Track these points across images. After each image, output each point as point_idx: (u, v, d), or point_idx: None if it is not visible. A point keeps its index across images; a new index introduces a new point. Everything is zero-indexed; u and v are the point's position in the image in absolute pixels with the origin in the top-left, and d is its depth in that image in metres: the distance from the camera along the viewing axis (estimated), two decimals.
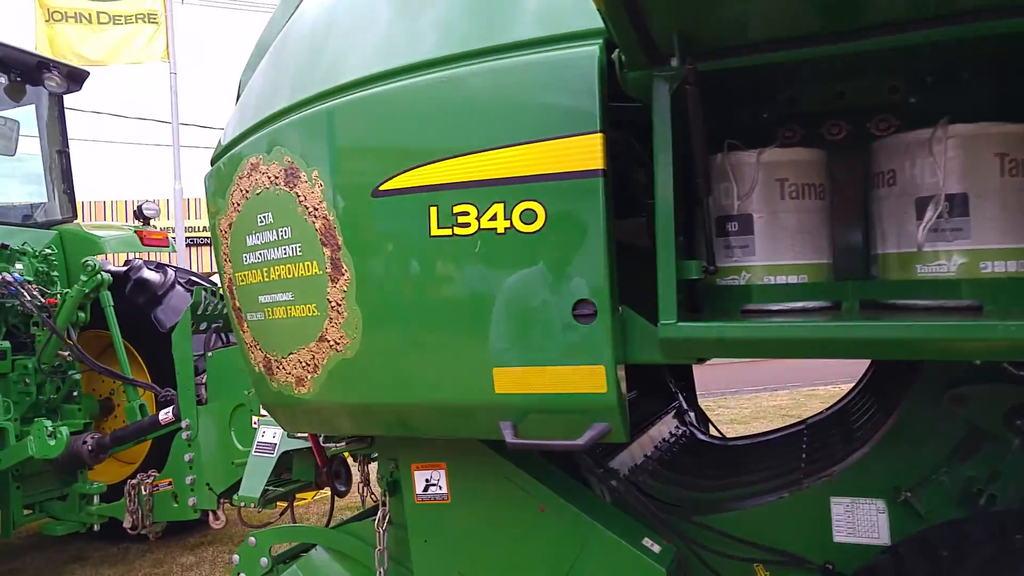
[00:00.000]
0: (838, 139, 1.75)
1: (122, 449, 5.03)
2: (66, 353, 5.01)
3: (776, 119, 1.78)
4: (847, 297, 1.60)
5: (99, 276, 4.94)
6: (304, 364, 1.96)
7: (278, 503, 3.37)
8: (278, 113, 1.97)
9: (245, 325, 2.21)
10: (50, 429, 4.48)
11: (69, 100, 6.04)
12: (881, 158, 1.55)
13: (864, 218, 1.67)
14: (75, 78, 5.89)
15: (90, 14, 11.97)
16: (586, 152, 1.54)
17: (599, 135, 1.53)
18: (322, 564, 2.50)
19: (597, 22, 1.42)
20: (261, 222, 1.99)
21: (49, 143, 5.92)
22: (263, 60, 2.23)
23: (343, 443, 2.49)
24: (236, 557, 2.71)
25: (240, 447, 4.00)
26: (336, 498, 2.99)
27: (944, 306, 1.43)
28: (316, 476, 3.02)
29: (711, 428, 3.38)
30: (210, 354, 4.13)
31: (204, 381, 4.21)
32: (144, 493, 4.53)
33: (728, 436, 3.30)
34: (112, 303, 5.19)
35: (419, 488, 2.10)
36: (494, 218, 1.62)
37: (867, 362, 2.86)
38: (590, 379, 1.60)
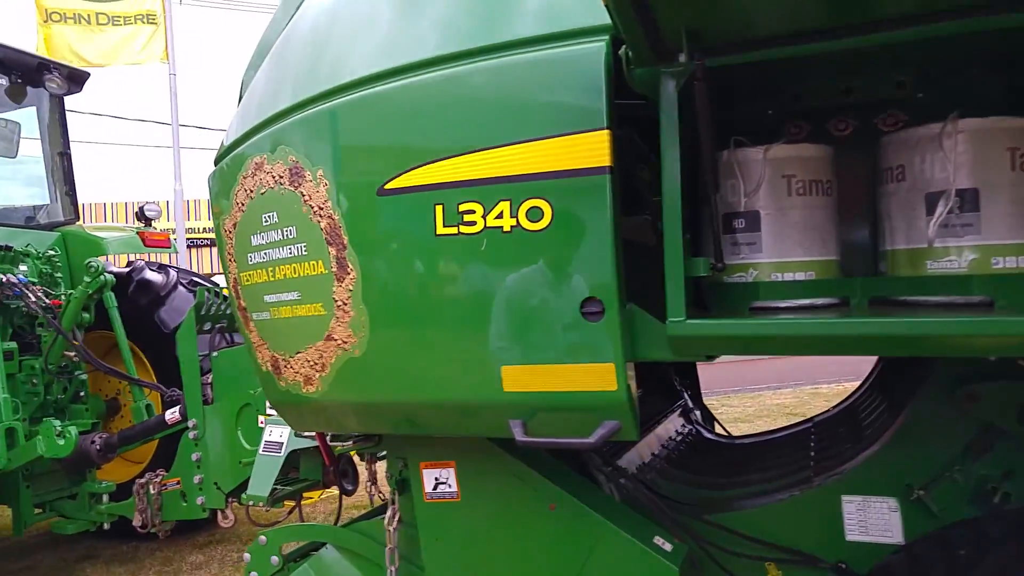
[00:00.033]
0: (845, 135, 1.74)
1: (129, 449, 5.05)
2: (72, 354, 5.02)
3: (783, 115, 1.76)
4: (855, 293, 1.59)
5: (103, 277, 4.94)
6: (312, 363, 1.95)
7: (285, 502, 3.38)
8: (282, 112, 1.96)
9: (251, 325, 2.21)
10: (59, 429, 4.50)
11: (68, 102, 6.03)
12: (890, 153, 1.53)
13: (871, 214, 1.66)
14: (76, 79, 5.88)
15: (89, 15, 11.96)
16: (593, 149, 1.53)
17: (606, 132, 1.51)
18: (333, 562, 2.49)
19: (603, 18, 1.41)
20: (266, 222, 1.98)
21: (50, 145, 5.92)
22: (265, 60, 2.22)
23: (350, 442, 2.49)
24: (247, 556, 2.71)
25: (247, 446, 4.01)
26: (343, 497, 2.99)
27: (955, 302, 1.42)
28: (323, 475, 3.03)
29: (717, 426, 3.38)
30: (215, 354, 4.14)
31: (209, 381, 4.22)
32: (152, 492, 4.56)
33: (734, 435, 3.30)
34: (116, 304, 5.21)
35: (428, 487, 2.09)
36: (500, 216, 1.61)
37: (873, 360, 2.85)
38: (600, 377, 1.59)
